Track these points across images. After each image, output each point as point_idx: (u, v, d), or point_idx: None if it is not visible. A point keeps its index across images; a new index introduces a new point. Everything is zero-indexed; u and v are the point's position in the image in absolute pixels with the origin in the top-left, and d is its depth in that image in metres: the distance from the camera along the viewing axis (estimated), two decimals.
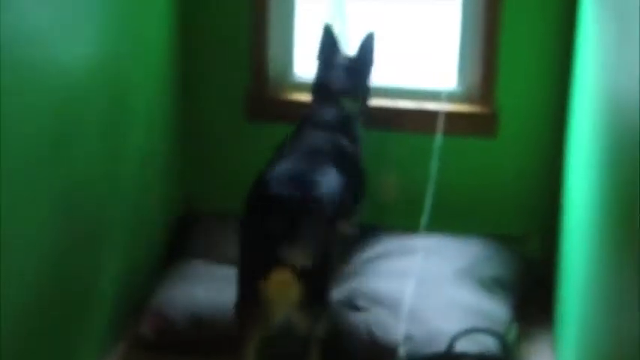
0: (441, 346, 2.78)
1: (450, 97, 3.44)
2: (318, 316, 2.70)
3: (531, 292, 3.31)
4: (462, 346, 2.77)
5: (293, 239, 2.53)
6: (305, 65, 3.53)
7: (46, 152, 2.44)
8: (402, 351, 2.81)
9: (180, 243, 3.48)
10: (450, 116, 3.38)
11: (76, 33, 2.59)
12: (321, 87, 3.26)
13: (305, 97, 3.37)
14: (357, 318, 2.97)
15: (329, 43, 3.29)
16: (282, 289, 2.57)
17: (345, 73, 3.24)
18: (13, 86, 2.22)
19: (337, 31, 3.35)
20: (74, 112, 2.59)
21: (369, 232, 3.39)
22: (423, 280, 3.05)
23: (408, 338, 2.85)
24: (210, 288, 3.06)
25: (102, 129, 2.81)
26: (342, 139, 3.08)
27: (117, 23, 2.88)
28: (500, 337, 2.83)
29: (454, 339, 2.77)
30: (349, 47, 3.37)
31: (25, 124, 2.31)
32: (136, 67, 3.08)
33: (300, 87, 3.48)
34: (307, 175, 2.78)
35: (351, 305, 3.04)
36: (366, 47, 3.26)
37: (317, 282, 2.63)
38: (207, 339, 2.96)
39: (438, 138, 3.31)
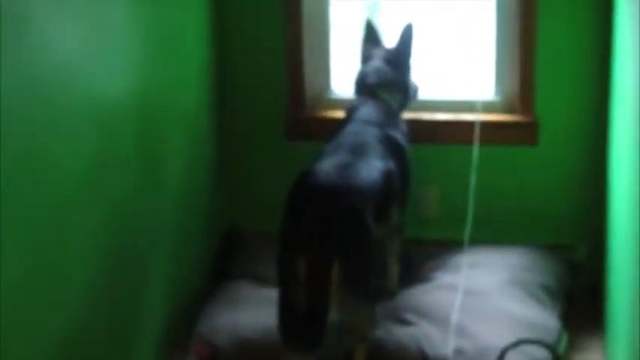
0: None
1: (488, 106, 3.42)
2: (361, 307, 2.70)
3: (580, 301, 3.28)
4: (512, 358, 2.75)
5: (325, 225, 2.57)
6: (342, 82, 3.54)
7: (84, 187, 2.47)
8: None
9: (223, 264, 3.50)
10: (489, 126, 3.37)
11: (111, 67, 2.62)
12: (358, 81, 3.27)
13: (343, 114, 3.37)
14: (406, 332, 2.96)
15: (370, 38, 3.32)
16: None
17: (382, 65, 3.24)
18: (49, 121, 2.26)
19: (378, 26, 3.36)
20: (111, 145, 2.63)
21: (414, 246, 3.38)
22: (470, 293, 3.04)
23: (458, 353, 2.83)
24: (254, 311, 3.04)
25: (142, 154, 2.84)
26: (391, 131, 3.08)
27: (153, 54, 2.91)
28: (551, 348, 2.80)
29: (504, 352, 2.75)
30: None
31: (62, 158, 2.34)
32: (174, 97, 3.11)
33: (338, 104, 3.48)
34: (350, 166, 2.78)
35: (399, 319, 3.03)
36: (405, 39, 3.26)
37: (353, 266, 2.62)
38: None
39: (476, 149, 3.30)
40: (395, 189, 3.00)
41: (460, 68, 3.62)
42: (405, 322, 3.01)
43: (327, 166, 2.76)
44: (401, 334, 2.96)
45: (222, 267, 3.49)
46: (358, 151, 2.90)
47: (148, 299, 2.93)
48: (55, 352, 2.35)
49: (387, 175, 2.90)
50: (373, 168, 2.85)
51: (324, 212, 2.61)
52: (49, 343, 2.32)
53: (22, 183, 2.16)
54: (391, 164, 2.96)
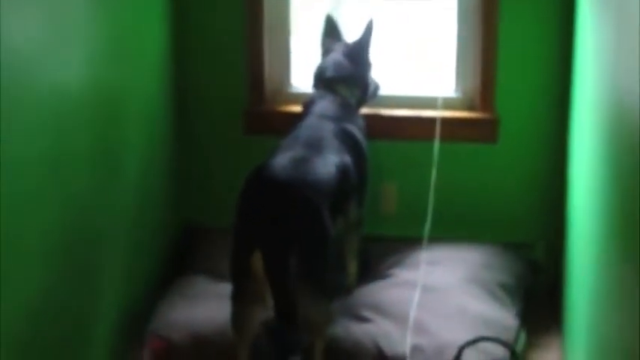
0: (449, 357, 2.74)
1: (449, 103, 3.41)
2: (317, 302, 2.67)
3: (539, 300, 3.28)
4: (470, 356, 2.73)
5: (281, 219, 2.56)
6: (302, 77, 3.51)
7: (40, 175, 2.41)
8: None
9: (180, 259, 3.46)
10: (450, 123, 3.36)
11: (67, 58, 2.56)
12: (317, 74, 3.25)
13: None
14: (363, 329, 2.93)
15: (330, 32, 3.31)
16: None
17: (341, 59, 3.22)
18: (4, 106, 2.19)
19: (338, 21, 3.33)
20: (67, 133, 2.56)
21: (372, 243, 3.36)
22: (428, 290, 3.02)
23: (416, 350, 2.81)
24: (211, 306, 2.98)
25: (98, 148, 2.78)
26: (348, 125, 3.06)
27: (110, 46, 2.85)
28: (509, 347, 2.79)
29: (461, 349, 2.73)
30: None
31: (14, 151, 2.27)
32: (131, 89, 3.05)
33: (298, 99, 3.44)
34: (306, 160, 2.75)
35: (356, 316, 3.00)
36: (365, 34, 3.24)
37: (309, 261, 2.60)
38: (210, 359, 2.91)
39: (436, 145, 3.28)
40: (351, 184, 2.97)
41: (421, 64, 3.60)
42: (362, 319, 2.98)
43: (282, 160, 2.73)
44: (358, 331, 2.93)
45: (179, 262, 3.45)
46: (314, 145, 2.87)
47: (104, 294, 2.88)
48: (6, 346, 2.29)
49: (343, 170, 2.88)
50: (329, 162, 2.82)
51: (279, 206, 2.59)
52: (2, 340, 2.26)
53: None
54: (347, 159, 2.94)
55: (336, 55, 3.23)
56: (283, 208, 2.59)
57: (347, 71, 3.21)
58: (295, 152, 2.80)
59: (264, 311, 2.61)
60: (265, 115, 3.51)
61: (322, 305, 2.71)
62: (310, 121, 3.04)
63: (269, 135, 3.38)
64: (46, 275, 2.47)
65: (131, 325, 3.06)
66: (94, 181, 2.76)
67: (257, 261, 2.54)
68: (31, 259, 2.39)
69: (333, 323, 2.84)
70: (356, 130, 3.09)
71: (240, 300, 2.69)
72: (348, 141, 3.01)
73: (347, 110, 3.13)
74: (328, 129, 2.99)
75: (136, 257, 3.13)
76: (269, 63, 3.51)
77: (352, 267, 3.19)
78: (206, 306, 2.92)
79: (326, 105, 3.10)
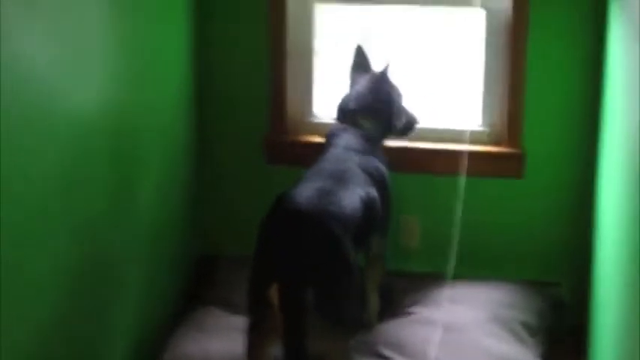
0: None
1: (475, 137, 3.34)
2: (335, 337, 2.60)
3: (563, 341, 3.19)
4: None
5: (301, 251, 2.50)
6: (325, 107, 3.46)
7: (50, 205, 2.35)
8: None
9: (196, 289, 3.39)
10: (475, 157, 3.28)
11: (84, 80, 2.51)
12: (340, 106, 3.19)
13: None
14: None
15: (358, 63, 3.23)
16: None
17: (365, 92, 3.15)
18: (13, 136, 2.13)
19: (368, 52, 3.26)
20: (82, 158, 2.51)
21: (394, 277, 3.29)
22: (450, 329, 2.94)
23: None
24: (225, 339, 2.91)
25: (113, 173, 2.73)
26: (372, 158, 3.01)
27: (130, 68, 2.81)
28: None
29: None
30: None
31: (28, 169, 2.22)
32: (151, 115, 3.01)
33: (320, 129, 3.39)
34: (331, 192, 2.70)
35: (375, 353, 2.92)
36: (386, 67, 3.17)
37: (329, 296, 2.53)
38: None
39: (461, 179, 3.21)
40: (376, 217, 2.91)
41: (447, 98, 3.54)
42: (381, 357, 2.91)
43: (306, 190, 2.68)
44: None
45: (194, 292, 3.38)
46: (339, 177, 2.82)
47: (116, 325, 2.82)
48: None
49: (368, 203, 2.82)
50: (354, 194, 2.77)
51: (300, 238, 2.53)
52: None
53: None
54: (372, 191, 2.88)
55: (360, 87, 3.17)
56: (304, 239, 2.53)
57: (370, 104, 3.14)
58: (320, 183, 2.75)
59: (279, 345, 2.54)
60: (287, 145, 3.46)
61: (339, 342, 2.63)
62: (335, 152, 2.99)
63: (290, 165, 3.33)
64: (56, 303, 2.41)
65: (143, 358, 3.00)
66: (109, 208, 2.70)
67: (274, 293, 2.48)
68: (41, 286, 2.33)
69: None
70: (380, 164, 3.03)
71: (256, 332, 2.63)
72: (373, 174, 2.95)
73: (370, 143, 3.07)
74: (353, 161, 2.94)
75: (149, 286, 3.07)
76: (291, 92, 3.46)
77: (373, 302, 3.12)
78: (220, 339, 2.85)
79: (350, 138, 3.05)
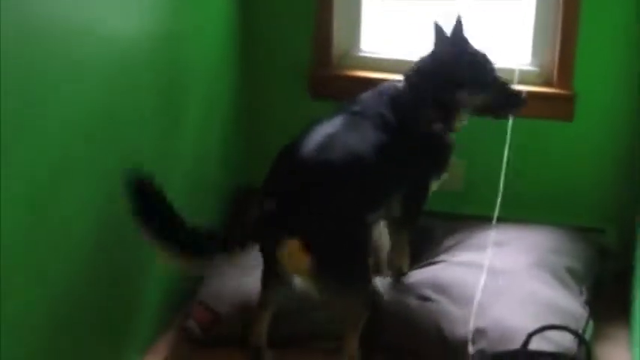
0: (514, 344, 2.61)
1: (524, 77, 3.24)
2: (341, 290, 2.57)
3: (608, 287, 3.13)
4: (538, 344, 2.60)
5: (302, 208, 2.47)
6: (371, 40, 3.36)
7: (94, 129, 2.31)
8: (472, 348, 2.65)
9: (233, 222, 3.36)
10: None
11: (124, 8, 2.43)
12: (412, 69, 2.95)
13: (371, 73, 3.21)
14: (423, 309, 2.82)
15: (453, 34, 2.93)
16: (293, 259, 2.49)
17: (430, 61, 2.91)
18: (51, 70, 2.08)
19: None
20: (126, 88, 2.46)
21: (438, 219, 3.23)
22: (494, 273, 2.87)
23: (479, 334, 2.68)
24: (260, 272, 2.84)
25: (157, 105, 2.68)
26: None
27: None
28: (579, 336, 2.65)
29: (530, 336, 2.60)
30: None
31: (67, 110, 2.17)
32: (195, 43, 2.95)
33: (367, 63, 3.32)
34: (339, 138, 2.63)
35: (416, 295, 2.88)
36: (455, 32, 2.92)
37: (333, 253, 2.51)
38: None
39: (510, 120, 3.12)
40: (392, 175, 2.77)
41: (496, 35, 3.44)
42: (422, 298, 2.87)
43: (316, 136, 2.62)
44: (417, 310, 2.82)
45: (233, 225, 3.34)
46: (359, 124, 2.72)
47: (153, 258, 2.77)
48: (52, 312, 2.22)
49: (382, 153, 2.69)
50: (368, 146, 2.67)
51: (294, 185, 2.52)
52: (45, 304, 2.19)
53: (20, 135, 1.98)
54: (390, 145, 2.73)
55: (431, 56, 2.92)
56: (306, 202, 2.49)
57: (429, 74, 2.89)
58: (335, 131, 2.66)
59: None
60: (331, 79, 3.38)
61: (349, 294, 2.60)
62: (371, 96, 2.85)
63: (335, 100, 3.25)
64: (92, 237, 2.38)
65: (180, 292, 2.97)
66: (152, 140, 2.66)
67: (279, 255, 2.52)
68: (77, 221, 2.29)
69: (367, 314, 2.66)
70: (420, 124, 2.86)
71: (268, 272, 2.67)
72: (408, 129, 2.80)
73: (420, 101, 2.86)
74: (385, 111, 2.80)
75: (191, 219, 3.02)
76: (338, 24, 3.37)
77: (399, 259, 3.00)
78: (256, 275, 2.80)
79: (397, 89, 2.87)
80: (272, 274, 2.65)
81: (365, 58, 3.39)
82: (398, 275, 2.99)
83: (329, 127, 2.68)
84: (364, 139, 2.68)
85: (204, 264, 2.53)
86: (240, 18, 3.33)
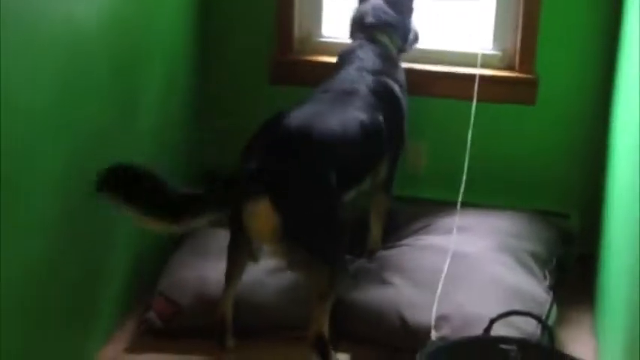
0: (477, 330, 2.59)
1: (486, 61, 3.23)
2: (312, 262, 2.53)
3: (571, 272, 3.12)
4: (501, 330, 2.58)
5: (278, 179, 2.43)
6: (333, 25, 3.33)
7: (48, 119, 2.26)
8: (434, 334, 2.63)
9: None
10: (487, 81, 3.17)
11: None
12: (354, 20, 3.06)
13: (332, 59, 3.17)
14: (385, 294, 2.79)
15: None
16: (262, 219, 2.44)
17: (381, 4, 3.03)
18: (8, 46, 2.02)
19: None
20: (82, 70, 2.40)
21: (400, 203, 3.21)
22: (457, 257, 2.85)
23: (442, 320, 2.66)
24: (223, 263, 2.75)
25: (114, 86, 2.63)
26: (388, 80, 2.89)
27: None
28: (542, 321, 2.63)
29: (492, 322, 2.58)
30: None
31: (23, 88, 2.12)
32: (154, 27, 2.91)
33: (328, 48, 3.28)
34: (322, 115, 2.61)
35: (380, 279, 2.86)
36: None
37: (297, 219, 2.47)
38: (218, 322, 2.71)
39: (474, 104, 3.10)
40: (382, 144, 2.81)
41: (458, 19, 3.42)
42: (385, 283, 2.84)
43: (299, 112, 2.60)
44: (380, 296, 2.80)
45: None
46: (342, 100, 2.73)
47: (115, 247, 2.75)
48: (16, 293, 2.18)
49: (371, 128, 2.73)
50: (352, 119, 2.67)
51: (276, 155, 2.47)
52: (9, 285, 2.14)
53: None
54: (378, 116, 2.77)
55: None
56: (278, 159, 2.46)
57: (388, 17, 3.02)
58: (317, 106, 2.66)
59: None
60: (293, 65, 3.35)
61: (319, 265, 2.55)
62: (347, 73, 2.88)
63: (296, 85, 3.23)
64: (53, 221, 2.33)
65: (140, 282, 2.93)
66: (109, 120, 2.61)
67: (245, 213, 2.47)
68: (38, 203, 2.25)
69: (338, 287, 2.63)
70: (396, 86, 2.92)
71: (233, 248, 2.65)
72: (385, 97, 2.85)
73: (388, 62, 2.96)
74: (364, 83, 2.83)
75: None
76: (299, 9, 3.33)
77: (376, 229, 3.05)
78: (219, 264, 2.76)
79: (365, 56, 2.92)
80: (238, 245, 2.60)
81: (326, 43, 3.35)
82: (371, 252, 3.00)
83: (316, 104, 2.68)
84: (352, 116, 2.69)
85: (183, 226, 2.48)
86: (202, 1, 3.28)
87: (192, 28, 3.26)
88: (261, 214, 2.43)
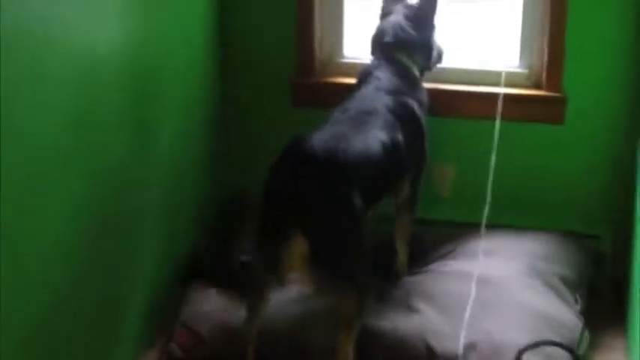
0: (506, 358, 2.52)
1: (512, 79, 3.17)
2: (340, 287, 2.48)
3: (603, 294, 3.05)
4: (531, 358, 2.51)
5: (305, 206, 2.38)
6: (355, 46, 3.29)
7: (62, 151, 2.22)
8: None
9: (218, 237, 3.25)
10: (513, 100, 3.11)
11: (97, 12, 2.35)
12: (374, 39, 3.01)
13: (354, 80, 3.12)
14: (411, 322, 2.72)
15: None
16: (294, 255, 2.40)
17: (402, 22, 2.97)
18: (20, 76, 2.00)
19: None
20: (96, 97, 2.37)
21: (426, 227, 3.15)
22: (485, 283, 2.78)
23: (470, 348, 2.59)
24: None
25: (130, 115, 2.59)
26: (408, 99, 2.84)
27: (149, 3, 2.65)
28: (572, 351, 2.55)
29: (522, 353, 2.51)
30: None
31: (36, 118, 2.09)
32: (173, 54, 2.87)
33: (350, 70, 3.23)
34: (345, 137, 2.55)
35: (405, 306, 2.79)
36: None
37: (325, 244, 2.42)
38: (240, 353, 2.68)
39: (498, 124, 3.03)
40: (402, 163, 2.77)
41: (482, 37, 3.36)
42: (411, 309, 2.78)
43: (320, 134, 2.54)
44: (405, 323, 2.72)
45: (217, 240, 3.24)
46: (361, 120, 2.68)
47: (134, 278, 2.71)
48: (35, 324, 2.15)
49: (391, 148, 2.67)
50: (373, 139, 2.62)
51: (299, 181, 2.41)
52: (26, 317, 2.12)
53: None
54: (398, 136, 2.72)
55: (397, 17, 2.99)
56: (303, 182, 2.40)
57: (409, 36, 2.96)
58: (337, 127, 2.62)
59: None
60: (314, 87, 3.31)
61: (347, 291, 2.49)
62: (364, 92, 2.83)
63: (318, 107, 3.17)
64: (71, 256, 2.29)
65: (161, 312, 2.89)
66: (125, 151, 2.57)
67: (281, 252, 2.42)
68: (54, 237, 2.21)
69: (366, 315, 2.59)
70: (415, 105, 2.86)
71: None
72: (404, 116, 2.79)
73: (407, 81, 2.90)
74: (383, 103, 2.78)
75: (170, 236, 2.95)
76: (320, 30, 3.30)
77: (402, 253, 2.99)
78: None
79: (383, 75, 2.88)
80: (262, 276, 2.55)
81: (348, 64, 3.31)
82: (397, 276, 2.95)
83: (336, 125, 2.63)
84: (373, 137, 2.64)
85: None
86: (220, 25, 3.25)
87: (212, 54, 3.23)
88: (297, 251, 2.40)
